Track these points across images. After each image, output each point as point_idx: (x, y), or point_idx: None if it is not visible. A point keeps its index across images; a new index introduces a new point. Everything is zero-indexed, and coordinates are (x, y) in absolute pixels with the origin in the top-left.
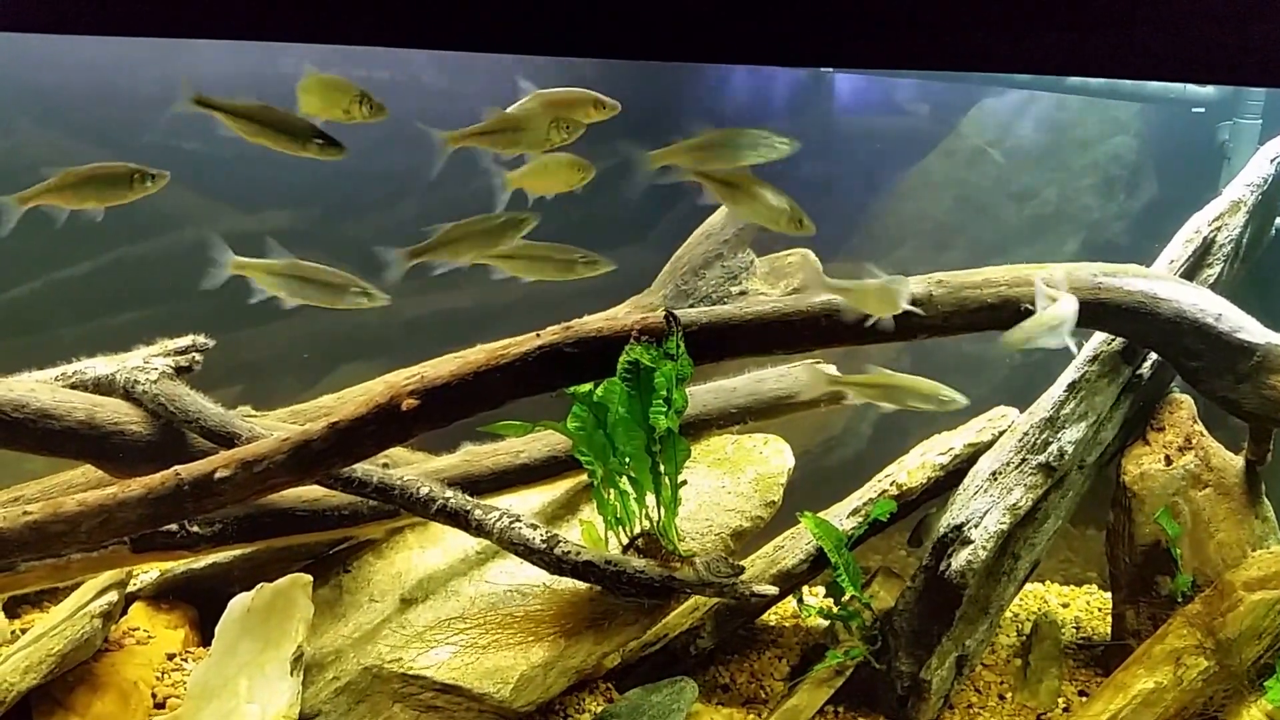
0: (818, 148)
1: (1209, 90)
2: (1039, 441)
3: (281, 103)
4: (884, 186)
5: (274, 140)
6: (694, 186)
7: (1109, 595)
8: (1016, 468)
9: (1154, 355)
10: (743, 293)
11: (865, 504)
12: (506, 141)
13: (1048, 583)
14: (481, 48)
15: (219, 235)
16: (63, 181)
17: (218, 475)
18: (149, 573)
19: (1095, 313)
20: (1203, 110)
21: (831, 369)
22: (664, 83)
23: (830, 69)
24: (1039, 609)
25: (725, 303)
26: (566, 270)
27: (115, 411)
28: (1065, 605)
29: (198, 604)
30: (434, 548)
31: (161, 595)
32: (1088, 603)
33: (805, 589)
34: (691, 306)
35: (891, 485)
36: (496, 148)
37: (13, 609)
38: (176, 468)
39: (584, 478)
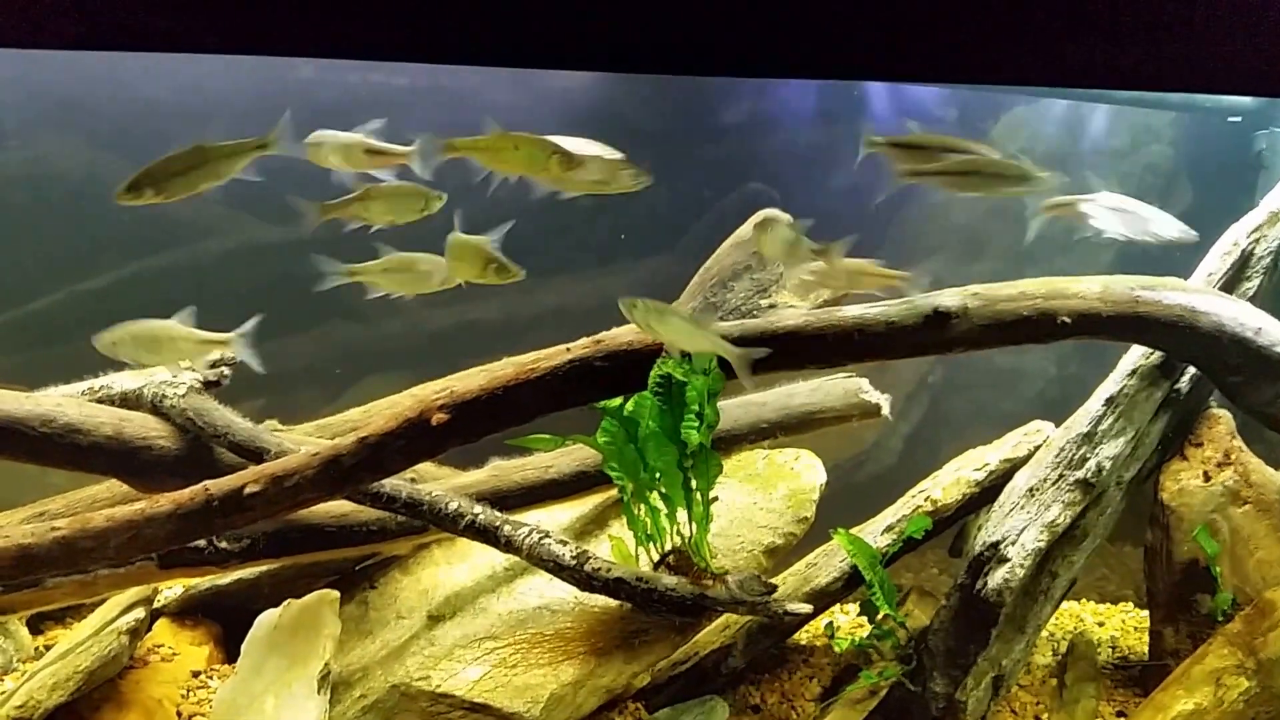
0: (849, 156)
1: (1245, 99)
2: (1076, 457)
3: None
4: (915, 196)
5: None
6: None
7: (1145, 613)
8: (1054, 484)
9: (1192, 370)
10: (771, 305)
11: (899, 520)
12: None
13: (1083, 601)
14: (482, 61)
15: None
16: (364, 197)
17: (247, 490)
18: (173, 589)
19: (1134, 326)
20: (1239, 119)
21: (864, 382)
22: (699, 96)
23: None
24: (1075, 628)
25: (754, 316)
26: None
27: (143, 426)
28: (1101, 624)
29: (223, 620)
30: (461, 564)
31: (186, 612)
32: (1124, 621)
33: (837, 608)
34: (721, 319)
35: (926, 501)
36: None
37: (35, 625)
38: (205, 483)
39: (614, 493)
